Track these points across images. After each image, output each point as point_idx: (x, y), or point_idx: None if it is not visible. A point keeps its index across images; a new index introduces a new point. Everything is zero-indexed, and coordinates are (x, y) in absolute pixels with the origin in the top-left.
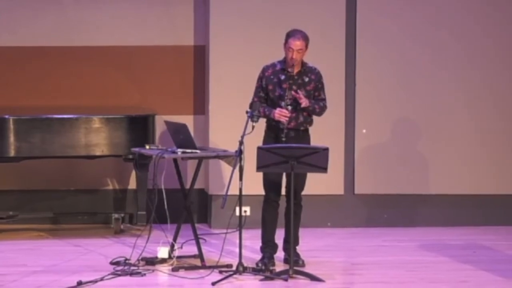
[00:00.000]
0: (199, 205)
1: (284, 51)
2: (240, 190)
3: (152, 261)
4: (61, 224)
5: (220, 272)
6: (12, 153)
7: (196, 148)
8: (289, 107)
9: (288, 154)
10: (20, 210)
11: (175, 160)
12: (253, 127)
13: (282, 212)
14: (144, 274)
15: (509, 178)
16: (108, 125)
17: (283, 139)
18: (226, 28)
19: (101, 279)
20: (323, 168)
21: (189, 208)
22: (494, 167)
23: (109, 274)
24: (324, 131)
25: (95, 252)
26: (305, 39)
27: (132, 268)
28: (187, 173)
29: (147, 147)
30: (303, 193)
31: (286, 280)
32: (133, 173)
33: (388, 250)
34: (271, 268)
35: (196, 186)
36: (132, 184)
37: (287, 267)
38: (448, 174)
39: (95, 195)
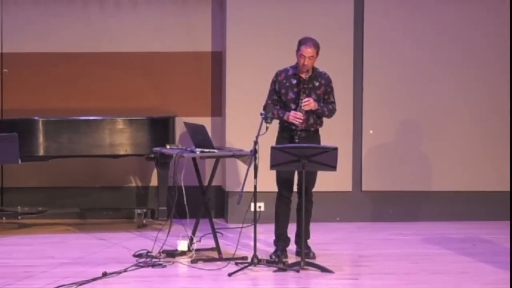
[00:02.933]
0: (217, 201)
1: (296, 57)
2: (255, 187)
3: (172, 254)
4: (87, 219)
5: (236, 264)
6: (41, 152)
7: (213, 148)
8: (303, 110)
9: (299, 153)
10: (48, 206)
11: (194, 159)
12: (267, 128)
13: (294, 207)
14: (165, 266)
15: (506, 176)
16: (131, 126)
17: (297, 140)
18: (242, 36)
19: (125, 271)
20: (333, 167)
21: (207, 204)
22: (493, 166)
23: (132, 266)
24: (333, 132)
25: (119, 245)
26: (316, 46)
27: (154, 260)
28: (205, 171)
29: (168, 146)
30: (313, 189)
31: (298, 271)
32: (155, 171)
33: (393, 243)
34: (284, 260)
35: (214, 183)
36: (154, 182)
37: (298, 259)
38: (449, 172)
39: (119, 192)
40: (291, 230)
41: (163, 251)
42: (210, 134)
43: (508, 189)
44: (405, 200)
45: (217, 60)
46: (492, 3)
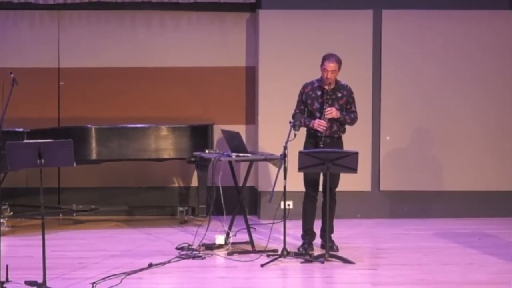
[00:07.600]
0: (250, 200)
1: (321, 71)
2: (284, 187)
3: (211, 247)
4: (134, 216)
5: (268, 255)
6: (94, 156)
7: (247, 152)
8: (327, 118)
9: (324, 157)
10: (100, 204)
11: (230, 162)
12: (295, 134)
13: (320, 205)
14: (204, 258)
15: (509, 177)
16: (174, 133)
17: (321, 145)
18: (273, 52)
19: (169, 262)
20: (354, 169)
21: (241, 202)
22: (497, 168)
23: (175, 258)
24: (354, 138)
25: (163, 239)
26: (338, 61)
27: (194, 252)
28: (240, 173)
29: (207, 151)
30: (337, 189)
31: (322, 262)
32: (195, 173)
33: (408, 238)
34: (310, 252)
35: (248, 184)
36: (194, 182)
37: (323, 251)
38: (458, 174)
39: (163, 192)
40: (317, 226)
41: (203, 245)
42: (244, 140)
43: (511, 189)
44: (419, 199)
45: (251, 74)
46: (496, 24)
